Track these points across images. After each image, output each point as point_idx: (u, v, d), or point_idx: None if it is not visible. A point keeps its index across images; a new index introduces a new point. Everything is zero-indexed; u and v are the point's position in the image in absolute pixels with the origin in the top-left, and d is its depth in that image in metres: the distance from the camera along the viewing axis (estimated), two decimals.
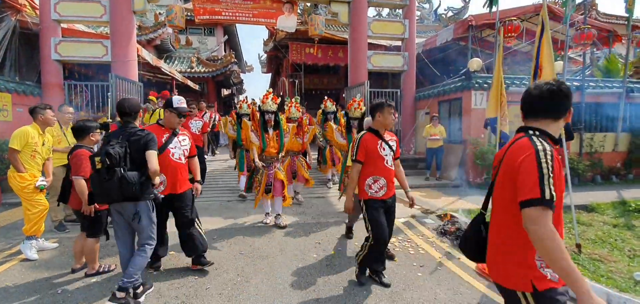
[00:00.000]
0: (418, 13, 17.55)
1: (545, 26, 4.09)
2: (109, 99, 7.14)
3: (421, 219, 5.37)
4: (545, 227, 1.31)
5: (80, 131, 3.38)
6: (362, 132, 3.15)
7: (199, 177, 3.68)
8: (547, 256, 1.32)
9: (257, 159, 4.74)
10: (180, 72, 14.65)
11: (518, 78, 8.15)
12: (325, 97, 7.07)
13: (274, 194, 4.85)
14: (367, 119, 3.92)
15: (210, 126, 10.46)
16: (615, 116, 8.36)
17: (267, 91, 4.87)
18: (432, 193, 7.16)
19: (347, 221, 4.64)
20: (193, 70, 15.79)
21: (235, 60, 17.00)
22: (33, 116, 3.94)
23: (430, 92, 9.70)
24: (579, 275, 1.27)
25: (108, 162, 2.60)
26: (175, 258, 3.84)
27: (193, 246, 3.46)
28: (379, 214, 3.05)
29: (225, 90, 21.74)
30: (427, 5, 19.93)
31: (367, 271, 3.40)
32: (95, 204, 3.25)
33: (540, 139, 1.45)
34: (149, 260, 3.10)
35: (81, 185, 3.18)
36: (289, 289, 3.21)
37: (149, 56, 10.48)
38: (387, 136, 3.17)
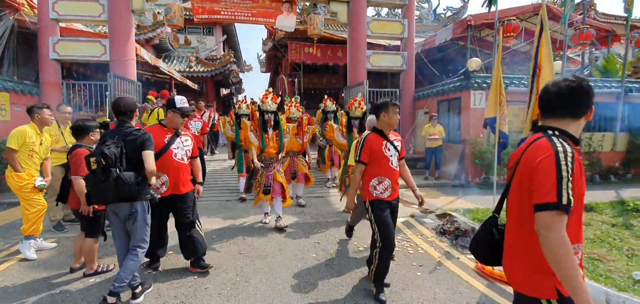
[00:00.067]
0: (417, 13, 17.55)
1: (544, 26, 4.10)
2: (108, 99, 7.13)
3: (420, 219, 5.37)
4: (557, 233, 1.26)
5: (79, 130, 3.37)
6: (367, 133, 3.05)
7: (200, 179, 3.66)
8: (555, 263, 1.27)
9: (255, 160, 4.68)
10: (179, 71, 14.63)
11: (517, 78, 8.16)
12: (325, 97, 7.05)
13: (273, 196, 4.77)
14: (371, 117, 3.85)
15: (209, 126, 10.45)
16: (614, 115, 8.38)
17: (267, 90, 4.83)
18: (431, 193, 7.16)
19: (348, 219, 4.57)
20: (192, 69, 15.76)
21: (234, 59, 16.98)
22: (30, 116, 3.93)
23: (429, 91, 9.70)
24: (585, 288, 1.23)
25: (103, 163, 2.56)
26: (174, 257, 3.83)
27: (193, 248, 3.45)
28: (385, 215, 2.96)
29: (224, 89, 21.73)
30: (426, 5, 19.94)
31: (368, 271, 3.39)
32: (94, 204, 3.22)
33: (560, 139, 1.38)
34: (143, 262, 3.08)
35: (80, 185, 3.17)
36: (288, 289, 3.20)
37: (148, 55, 10.46)
38: (392, 136, 3.08)
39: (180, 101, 3.33)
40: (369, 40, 9.83)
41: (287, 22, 9.65)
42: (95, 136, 3.43)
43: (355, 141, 4.02)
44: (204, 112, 8.73)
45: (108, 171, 2.58)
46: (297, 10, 11.27)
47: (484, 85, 7.80)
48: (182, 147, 3.38)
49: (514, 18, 8.78)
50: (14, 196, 4.11)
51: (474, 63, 8.17)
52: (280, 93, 14.18)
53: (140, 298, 2.95)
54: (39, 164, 4.00)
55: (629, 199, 6.03)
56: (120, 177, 2.60)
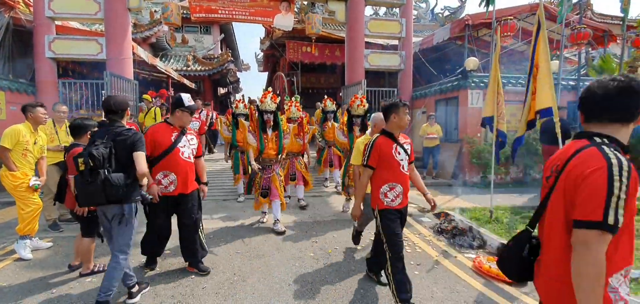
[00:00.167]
0: (415, 12, 17.57)
1: (541, 25, 4.11)
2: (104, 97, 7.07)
3: (418, 218, 5.37)
4: (595, 253, 1.15)
5: (77, 129, 3.34)
6: (376, 136, 2.88)
7: (205, 179, 3.62)
8: (580, 283, 1.17)
9: (253, 162, 4.57)
10: (176, 70, 14.57)
11: (514, 77, 8.19)
12: (325, 97, 7.01)
13: (271, 198, 4.66)
14: (375, 115, 3.75)
15: (207, 124, 10.42)
16: None
17: (267, 89, 4.73)
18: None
19: (355, 224, 4.30)
20: (189, 68, 15.70)
21: (232, 58, 16.94)
22: (24, 114, 3.91)
23: (427, 91, 9.72)
24: None
25: (91, 164, 2.48)
26: (172, 256, 3.82)
27: (194, 250, 3.43)
28: (396, 226, 2.80)
29: (221, 89, 21.65)
30: (423, 5, 19.95)
31: (366, 270, 3.39)
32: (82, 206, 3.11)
33: (612, 149, 1.22)
34: (128, 271, 2.96)
35: None
36: (286, 288, 3.20)
37: (145, 54, 10.41)
38: (402, 138, 2.90)
39: (188, 99, 3.30)
40: (366, 39, 9.83)
41: (284, 21, 9.63)
42: None
43: (357, 141, 3.92)
44: (201, 110, 8.69)
45: (96, 172, 2.49)
46: (295, 9, 11.23)
47: (481, 84, 7.83)
48: (188, 146, 3.35)
49: (511, 18, 8.80)
50: (9, 196, 4.08)
51: (472, 62, 8.19)
52: (278, 92, 14.15)
53: (137, 298, 2.94)
54: (34, 163, 3.96)
55: None
56: (108, 178, 2.51)
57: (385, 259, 2.81)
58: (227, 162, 7.01)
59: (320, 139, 7.24)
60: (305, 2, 12.75)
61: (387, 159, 2.77)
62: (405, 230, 4.82)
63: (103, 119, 2.91)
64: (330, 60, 13.71)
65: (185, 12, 13.25)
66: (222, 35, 20.93)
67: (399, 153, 2.81)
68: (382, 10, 17.40)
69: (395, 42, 10.45)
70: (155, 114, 8.24)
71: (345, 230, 4.80)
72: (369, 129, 3.94)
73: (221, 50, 20.05)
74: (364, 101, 5.16)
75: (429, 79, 11.07)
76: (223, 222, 5.20)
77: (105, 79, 7.33)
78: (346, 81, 9.86)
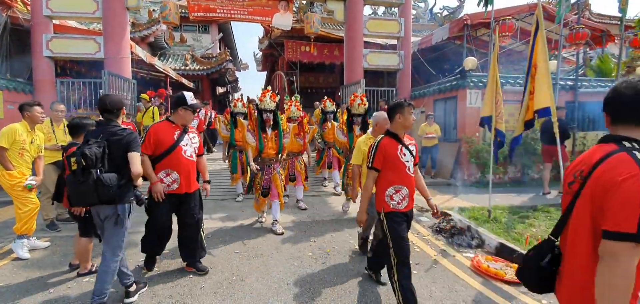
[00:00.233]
0: (414, 12, 17.58)
1: (539, 25, 4.12)
2: None
3: (416, 217, 5.37)
4: (625, 265, 1.09)
5: (75, 128, 3.32)
6: (380, 137, 2.79)
7: (207, 177, 3.60)
8: (611, 295, 1.11)
9: (251, 162, 4.54)
10: (174, 69, 14.53)
11: (513, 77, 8.20)
12: (325, 97, 6.98)
13: (271, 198, 4.62)
14: (377, 114, 3.73)
15: (206, 124, 10.41)
16: None
17: (266, 88, 4.66)
18: None
19: (358, 230, 4.18)
20: (187, 67, 15.67)
21: (230, 58, 16.91)
22: (21, 113, 3.89)
23: (426, 90, 9.72)
24: None
25: (83, 163, 2.43)
26: (169, 257, 3.81)
27: (194, 250, 3.42)
28: (403, 230, 2.70)
29: (220, 88, 21.63)
30: (422, 4, 19.97)
31: (366, 269, 3.39)
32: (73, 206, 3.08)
33: None
34: (126, 272, 2.95)
35: None
36: (285, 288, 3.19)
37: (143, 53, 10.38)
38: (406, 139, 2.81)
39: (191, 97, 3.28)
40: (365, 39, 9.83)
41: (283, 20, 9.62)
42: None
43: (358, 140, 3.88)
44: (200, 110, 8.68)
45: (88, 172, 2.45)
46: (294, 8, 11.23)
47: (480, 84, 7.83)
48: (190, 144, 3.32)
49: (510, 17, 8.82)
50: (6, 195, 4.06)
51: (470, 62, 8.20)
52: (277, 91, 14.13)
53: (134, 297, 2.92)
54: (31, 162, 3.95)
55: None
56: (100, 178, 2.47)
57: (391, 264, 2.71)
58: (224, 161, 6.96)
59: (319, 141, 7.18)
60: (304, 2, 12.75)
61: (393, 161, 2.68)
62: None
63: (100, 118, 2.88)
64: (329, 59, 13.71)
65: (183, 11, 13.21)
66: (221, 34, 20.89)
67: (405, 154, 2.72)
68: (381, 9, 17.42)
69: (394, 41, 10.46)
70: (153, 114, 8.22)
71: (343, 230, 4.80)
72: (371, 129, 3.88)
73: (220, 49, 20.01)
74: (364, 99, 5.10)
75: (427, 79, 11.08)
76: (221, 222, 5.19)
77: (103, 78, 7.31)
78: (345, 81, 9.86)
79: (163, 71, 12.31)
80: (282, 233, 4.60)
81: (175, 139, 3.20)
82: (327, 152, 6.82)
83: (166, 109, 10.08)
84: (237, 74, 22.69)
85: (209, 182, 3.61)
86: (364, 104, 5.04)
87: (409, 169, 2.73)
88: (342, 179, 5.34)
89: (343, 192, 5.29)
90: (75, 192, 2.54)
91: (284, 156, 4.99)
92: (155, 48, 15.82)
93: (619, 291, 1.11)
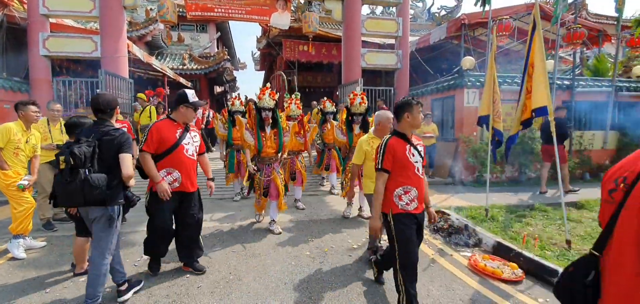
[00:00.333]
0: (411, 11, 17.60)
1: (537, 25, 4.13)
2: None
3: None
4: None
5: (73, 127, 3.28)
6: (387, 136, 2.67)
7: (211, 175, 3.57)
8: None
9: (249, 162, 4.50)
10: (172, 69, 14.49)
11: (510, 76, 8.22)
12: (325, 98, 6.96)
13: (270, 198, 4.56)
14: (380, 113, 3.68)
15: (204, 123, 10.38)
16: (604, 114, 8.49)
17: (265, 86, 4.60)
18: None
19: (368, 238, 4.01)
20: (185, 67, 15.62)
21: (228, 57, 16.86)
22: (17, 113, 3.87)
23: (424, 90, 9.73)
24: None
25: (72, 163, 2.38)
26: (167, 255, 3.78)
27: (191, 250, 3.40)
28: (411, 233, 2.57)
29: (218, 87, 21.56)
30: (420, 4, 20.00)
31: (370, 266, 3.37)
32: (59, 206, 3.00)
33: None
34: (123, 274, 2.93)
35: None
36: (282, 287, 3.19)
37: (140, 52, 10.34)
38: (414, 140, 2.71)
39: (192, 95, 3.24)
40: (363, 38, 9.83)
41: (281, 19, 9.60)
42: None
43: (359, 139, 3.81)
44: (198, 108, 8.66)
45: (76, 172, 2.40)
46: (292, 7, 11.22)
47: (477, 83, 7.85)
48: (192, 143, 3.29)
49: (507, 17, 8.84)
50: (2, 195, 4.04)
51: (468, 62, 8.22)
52: (276, 89, 14.10)
53: (127, 295, 2.88)
54: (26, 161, 3.93)
55: None
56: (88, 179, 2.42)
57: (395, 269, 2.62)
58: (223, 161, 6.91)
59: (319, 142, 7.12)
60: (302, 1, 12.74)
61: (402, 161, 2.57)
62: None
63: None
64: (327, 59, 13.71)
65: (181, 10, 13.20)
66: (219, 33, 20.84)
67: (413, 155, 2.61)
68: (379, 9, 17.43)
69: (392, 41, 10.47)
70: (150, 113, 8.20)
71: (341, 229, 4.80)
72: (372, 128, 3.83)
73: (217, 48, 19.97)
74: (364, 97, 5.06)
75: (425, 78, 11.09)
76: (219, 221, 5.18)
77: (100, 77, 7.29)
78: (343, 80, 9.86)
79: (160, 70, 12.28)
80: (280, 233, 4.58)
81: (178, 137, 3.17)
82: (327, 154, 6.76)
83: (164, 108, 10.06)
84: (235, 73, 22.64)
85: (212, 180, 3.59)
86: (364, 103, 4.99)
87: (418, 170, 2.62)
88: (341, 180, 5.29)
89: (342, 193, 5.24)
90: (62, 192, 2.48)
91: (285, 155, 4.94)
92: (153, 47, 15.77)
93: None
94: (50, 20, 8.06)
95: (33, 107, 3.90)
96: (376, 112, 3.81)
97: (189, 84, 15.83)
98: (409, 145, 2.62)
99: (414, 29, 15.30)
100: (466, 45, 9.64)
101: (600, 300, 1.28)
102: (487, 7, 8.15)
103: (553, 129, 4.14)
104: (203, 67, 15.85)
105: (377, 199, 2.60)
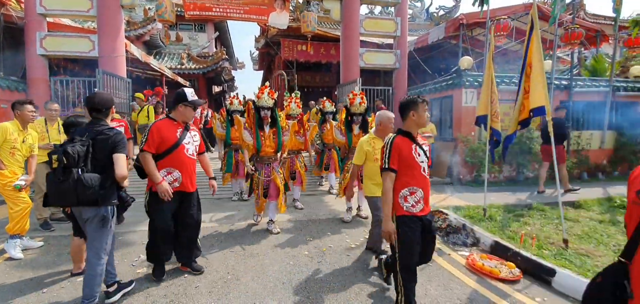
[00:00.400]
0: (410, 11, 17.62)
1: (534, 25, 4.14)
2: None
3: None
4: None
5: (71, 127, 3.27)
6: (392, 135, 2.60)
7: (212, 174, 3.55)
8: None
9: (247, 162, 4.46)
10: (170, 68, 14.48)
11: (508, 76, 8.24)
12: (324, 98, 6.95)
13: (269, 199, 4.51)
14: (381, 113, 3.65)
15: (201, 123, 10.36)
16: (602, 114, 8.52)
17: (264, 84, 4.56)
18: None
19: (368, 243, 3.95)
20: (183, 66, 15.61)
21: (227, 56, 16.86)
22: (13, 112, 3.85)
23: (422, 90, 9.74)
24: None
25: (65, 162, 2.35)
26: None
27: (190, 251, 3.39)
28: (414, 236, 2.51)
29: (216, 87, 21.54)
30: (418, 4, 20.03)
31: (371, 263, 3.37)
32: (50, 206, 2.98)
33: None
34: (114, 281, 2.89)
35: None
36: (280, 286, 3.19)
37: (138, 52, 10.32)
38: (420, 139, 2.66)
39: (191, 93, 3.20)
40: (362, 38, 9.83)
41: (279, 19, 9.59)
42: None
43: (360, 140, 3.76)
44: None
45: (69, 171, 2.37)
46: (290, 7, 11.21)
47: (475, 83, 7.86)
48: (192, 143, 3.26)
49: (505, 17, 8.85)
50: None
51: (466, 61, 8.23)
52: (274, 88, 14.08)
53: (116, 297, 2.84)
54: (23, 161, 3.91)
55: (616, 196, 6.14)
56: (81, 179, 2.38)
57: (396, 270, 2.59)
58: (221, 160, 6.89)
59: (318, 142, 7.10)
60: (301, 1, 12.73)
61: (407, 161, 2.51)
62: None
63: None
64: (326, 58, 13.71)
65: (179, 9, 13.18)
66: (217, 33, 20.83)
67: (419, 154, 2.56)
68: (378, 9, 17.44)
69: (391, 41, 10.47)
70: (148, 113, 8.18)
71: (340, 229, 4.81)
72: (373, 128, 3.79)
73: (216, 48, 19.94)
74: (364, 97, 5.04)
75: (423, 78, 11.10)
76: (217, 221, 5.17)
77: (98, 76, 7.27)
78: (341, 80, 9.86)
79: (158, 70, 12.26)
80: (278, 233, 4.58)
81: (178, 137, 3.14)
82: (328, 154, 6.72)
83: (163, 108, 10.04)
84: (233, 73, 22.61)
85: (214, 178, 3.57)
86: (364, 103, 4.96)
87: (423, 170, 2.57)
88: (339, 180, 5.25)
89: (340, 194, 5.21)
90: (54, 191, 2.46)
91: (285, 155, 4.90)
92: (151, 47, 15.74)
93: None
94: (48, 19, 8.03)
95: (29, 107, 3.88)
96: (377, 113, 3.77)
97: (188, 84, 15.80)
98: (414, 144, 2.57)
99: (412, 29, 15.32)
100: (464, 45, 9.66)
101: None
102: (485, 7, 8.16)
103: (550, 128, 4.15)
104: (201, 66, 15.83)
105: (387, 200, 2.51)
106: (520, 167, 7.93)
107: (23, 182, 3.77)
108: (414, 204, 2.52)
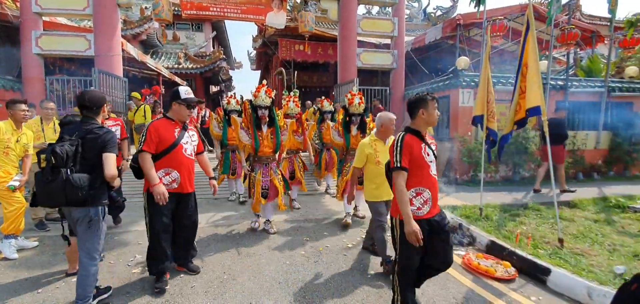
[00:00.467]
0: (407, 12, 17.65)
1: (530, 26, 4.16)
2: None
3: None
4: None
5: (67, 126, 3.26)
6: (402, 134, 2.50)
7: (212, 174, 3.52)
8: None
9: (244, 162, 4.41)
10: (167, 68, 14.43)
11: (505, 76, 8.27)
12: (322, 97, 6.94)
13: (268, 200, 4.44)
14: (382, 115, 3.62)
15: (199, 122, 10.31)
16: (597, 114, 8.58)
17: (261, 83, 4.52)
18: None
19: (371, 246, 3.87)
20: (180, 66, 15.56)
21: (224, 56, 16.82)
22: (8, 111, 3.83)
23: (419, 90, 9.77)
24: None
25: (53, 161, 2.31)
26: None
27: (186, 251, 3.37)
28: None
29: (213, 87, 21.47)
30: (416, 4, 20.08)
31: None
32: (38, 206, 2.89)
33: None
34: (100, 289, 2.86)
35: None
36: (277, 286, 3.19)
37: (134, 51, 10.28)
38: (428, 138, 2.58)
39: (185, 91, 3.13)
40: (359, 38, 9.85)
41: (277, 19, 9.58)
42: None
43: (361, 142, 3.68)
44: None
45: (57, 171, 2.32)
46: (288, 7, 11.20)
47: (472, 83, 7.89)
48: (190, 142, 3.22)
49: (502, 18, 8.89)
50: None
51: (463, 62, 8.26)
52: (274, 88, 14.05)
53: (92, 302, 2.73)
54: (17, 161, 3.88)
55: (611, 196, 6.19)
56: (70, 179, 2.33)
57: (394, 271, 2.55)
58: (218, 160, 6.84)
59: (317, 142, 7.09)
60: (298, 0, 12.72)
61: (417, 161, 2.42)
62: None
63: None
64: (323, 58, 13.72)
65: (176, 9, 13.12)
66: (214, 32, 20.78)
67: (428, 154, 2.49)
68: (375, 9, 17.45)
69: (388, 41, 10.49)
70: (145, 112, 8.14)
71: (336, 229, 4.81)
72: (375, 130, 3.71)
73: (213, 47, 19.90)
74: (363, 97, 5.02)
75: (421, 78, 11.13)
76: (213, 221, 5.16)
77: (94, 75, 7.23)
78: (339, 80, 9.88)
79: (155, 69, 12.22)
80: (275, 232, 4.57)
81: (176, 136, 3.09)
82: (327, 154, 6.63)
83: (161, 107, 10.00)
84: (230, 72, 22.56)
85: (214, 178, 3.55)
86: (363, 103, 4.93)
87: (432, 170, 2.50)
88: (337, 182, 5.20)
89: (338, 196, 5.17)
90: (43, 191, 2.40)
91: (284, 155, 4.86)
92: (148, 46, 15.69)
93: None
94: (44, 18, 7.98)
95: (23, 106, 3.85)
96: (378, 114, 3.72)
97: (185, 84, 15.75)
98: (424, 143, 2.49)
99: (409, 29, 15.35)
100: (461, 45, 9.70)
101: None
102: (481, 8, 8.20)
103: (546, 128, 4.17)
104: (199, 66, 15.79)
105: (404, 201, 2.35)
106: (517, 167, 7.97)
107: (17, 183, 3.74)
108: (420, 206, 2.44)
